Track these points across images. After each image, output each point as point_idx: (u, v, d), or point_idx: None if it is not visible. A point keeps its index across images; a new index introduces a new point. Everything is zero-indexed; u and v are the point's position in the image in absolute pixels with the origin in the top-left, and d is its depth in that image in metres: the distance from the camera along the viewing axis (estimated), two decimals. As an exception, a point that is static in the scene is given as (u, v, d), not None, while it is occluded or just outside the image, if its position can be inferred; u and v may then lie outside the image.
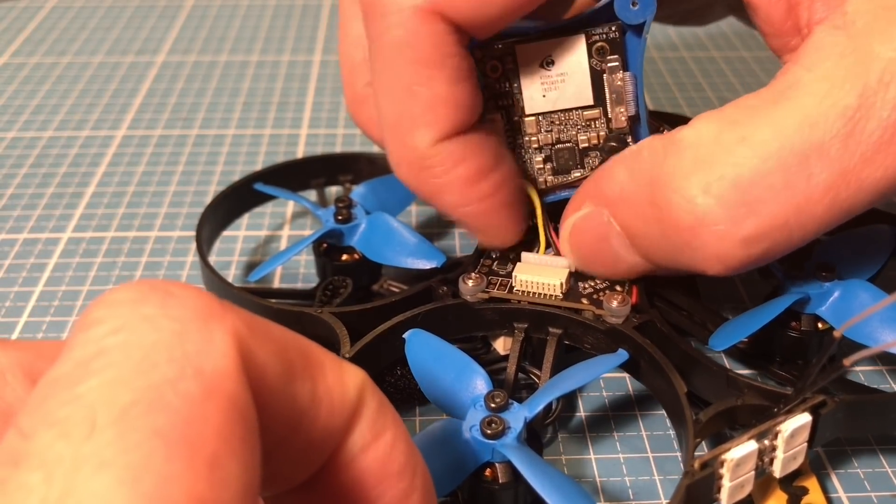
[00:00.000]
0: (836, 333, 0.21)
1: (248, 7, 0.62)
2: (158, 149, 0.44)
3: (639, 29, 0.26)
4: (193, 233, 0.37)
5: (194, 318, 0.14)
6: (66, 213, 0.39)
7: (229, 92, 0.50)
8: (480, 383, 0.24)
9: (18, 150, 0.44)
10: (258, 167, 0.41)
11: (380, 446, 0.16)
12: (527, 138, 0.29)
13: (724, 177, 0.22)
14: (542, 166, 0.29)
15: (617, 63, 0.27)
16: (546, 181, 0.29)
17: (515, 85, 0.28)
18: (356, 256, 0.31)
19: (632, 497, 0.25)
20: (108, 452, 0.12)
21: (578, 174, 0.29)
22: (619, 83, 0.27)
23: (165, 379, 0.13)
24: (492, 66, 0.28)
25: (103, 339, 0.13)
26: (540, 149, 0.29)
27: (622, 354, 0.25)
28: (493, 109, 0.28)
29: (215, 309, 0.14)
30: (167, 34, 0.57)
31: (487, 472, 0.23)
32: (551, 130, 0.28)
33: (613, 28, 0.26)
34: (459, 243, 0.37)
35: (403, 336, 0.26)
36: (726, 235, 0.22)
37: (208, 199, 0.34)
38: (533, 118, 0.28)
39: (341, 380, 0.16)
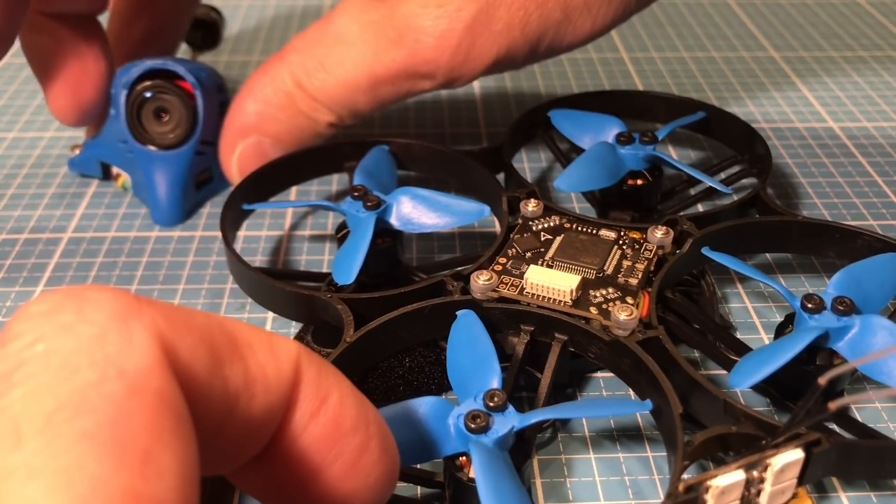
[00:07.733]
0: (822, 381, 0.21)
1: (248, 7, 0.62)
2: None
3: None
4: (193, 233, 0.38)
5: (112, 319, 0.14)
6: (67, 214, 0.39)
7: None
8: (493, 380, 0.24)
9: (19, 150, 0.44)
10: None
11: (329, 409, 0.17)
12: None
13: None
14: None
15: None
16: None
17: None
18: (378, 243, 0.30)
19: (631, 497, 0.26)
20: (36, 460, 0.12)
21: None
22: None
23: (88, 382, 0.13)
24: None
25: (22, 351, 0.13)
26: None
27: (647, 404, 0.24)
28: None
29: (132, 308, 0.14)
30: (167, 34, 0.57)
31: (462, 461, 0.23)
32: None
33: None
34: (458, 244, 0.37)
35: (457, 312, 0.26)
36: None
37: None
38: None
39: (274, 355, 0.16)
